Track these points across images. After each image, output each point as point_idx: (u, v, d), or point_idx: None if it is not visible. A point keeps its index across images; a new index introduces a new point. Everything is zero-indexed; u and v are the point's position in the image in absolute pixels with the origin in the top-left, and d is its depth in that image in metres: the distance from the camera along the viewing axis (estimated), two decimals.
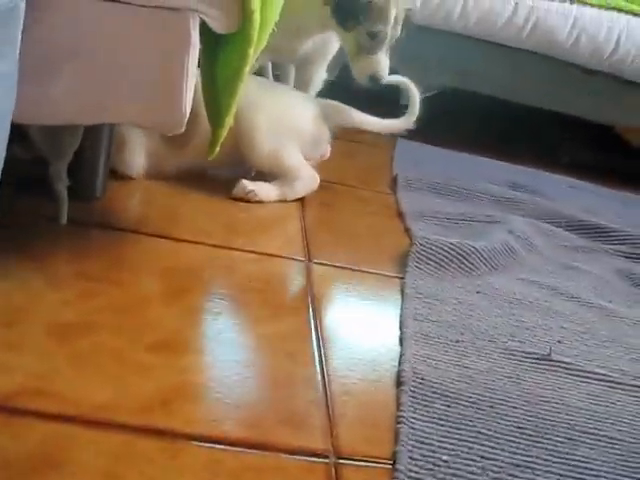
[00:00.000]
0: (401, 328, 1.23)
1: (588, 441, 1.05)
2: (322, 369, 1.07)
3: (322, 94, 1.90)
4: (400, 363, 1.12)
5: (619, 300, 1.58)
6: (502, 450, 0.98)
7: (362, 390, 1.05)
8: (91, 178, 1.41)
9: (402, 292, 1.35)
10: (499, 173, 2.26)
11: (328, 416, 0.97)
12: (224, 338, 1.10)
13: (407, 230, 1.66)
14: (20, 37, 0.84)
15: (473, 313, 1.33)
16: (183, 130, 1.12)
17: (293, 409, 0.97)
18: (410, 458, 0.92)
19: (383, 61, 1.74)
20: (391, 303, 1.32)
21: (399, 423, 0.98)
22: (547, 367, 1.21)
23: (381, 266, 1.45)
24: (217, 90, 1.22)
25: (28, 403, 0.86)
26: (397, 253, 1.52)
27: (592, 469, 1.00)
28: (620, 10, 2.46)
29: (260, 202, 1.59)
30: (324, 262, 1.41)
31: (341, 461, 0.90)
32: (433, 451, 0.95)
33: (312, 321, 1.19)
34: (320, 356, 1.10)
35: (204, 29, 1.09)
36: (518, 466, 0.96)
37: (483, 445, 0.98)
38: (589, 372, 1.23)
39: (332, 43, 1.85)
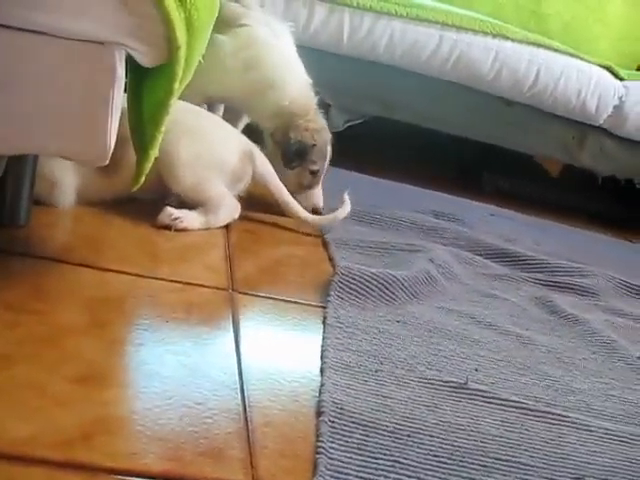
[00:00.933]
0: (322, 358, 1.25)
1: (502, 468, 1.09)
2: (243, 400, 1.08)
3: None
4: (320, 393, 1.14)
5: (535, 328, 1.63)
6: (418, 478, 1.01)
7: (283, 421, 1.06)
8: (15, 205, 1.39)
9: (324, 322, 1.37)
10: (423, 201, 2.31)
11: (249, 447, 0.98)
12: (146, 369, 1.10)
13: (330, 259, 1.68)
14: None
15: (393, 342, 1.36)
16: (107, 162, 1.12)
17: (213, 441, 0.97)
18: None
19: (320, 193, 1.93)
20: (313, 333, 1.34)
21: (318, 453, 1.00)
22: (464, 395, 1.25)
23: (304, 295, 1.47)
24: (142, 121, 1.22)
25: None
26: (320, 282, 1.54)
27: None
28: (540, 45, 2.57)
29: (185, 230, 1.59)
30: (248, 292, 1.42)
31: None
32: None
33: (234, 351, 1.20)
34: (242, 386, 1.11)
35: (131, 60, 1.09)
36: None
37: (399, 474, 1.00)
38: (504, 400, 1.26)
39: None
